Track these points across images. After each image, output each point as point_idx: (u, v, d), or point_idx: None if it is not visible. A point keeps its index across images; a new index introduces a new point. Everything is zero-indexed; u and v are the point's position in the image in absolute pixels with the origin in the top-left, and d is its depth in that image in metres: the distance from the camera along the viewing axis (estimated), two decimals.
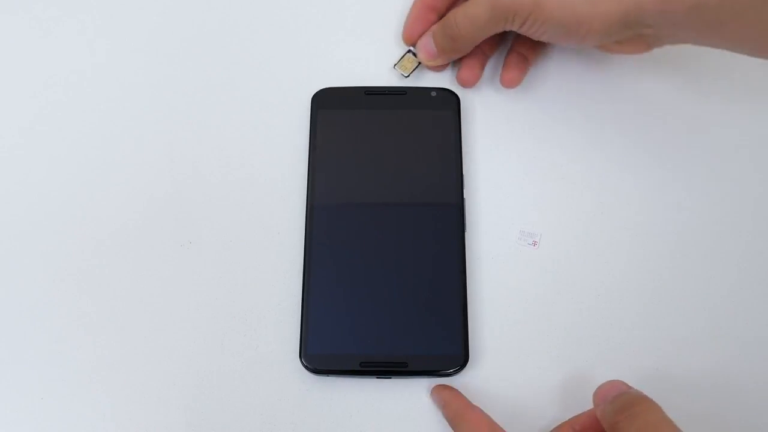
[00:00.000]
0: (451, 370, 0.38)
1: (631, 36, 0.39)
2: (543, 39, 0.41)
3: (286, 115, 0.45)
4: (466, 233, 0.41)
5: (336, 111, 0.44)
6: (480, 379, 0.39)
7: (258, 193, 0.44)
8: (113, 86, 0.47)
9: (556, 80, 0.46)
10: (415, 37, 0.45)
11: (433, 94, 0.45)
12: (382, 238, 0.41)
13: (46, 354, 0.40)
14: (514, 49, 0.45)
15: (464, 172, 0.43)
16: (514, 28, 0.41)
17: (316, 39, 0.47)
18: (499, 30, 0.42)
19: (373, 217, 0.42)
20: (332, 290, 0.40)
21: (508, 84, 0.45)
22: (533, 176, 0.44)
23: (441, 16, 0.45)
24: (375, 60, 0.46)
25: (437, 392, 0.39)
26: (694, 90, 0.46)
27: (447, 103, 0.44)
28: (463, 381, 0.39)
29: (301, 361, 0.39)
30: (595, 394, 0.36)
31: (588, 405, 0.36)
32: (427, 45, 0.44)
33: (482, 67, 0.45)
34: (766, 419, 0.39)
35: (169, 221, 0.43)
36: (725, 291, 0.41)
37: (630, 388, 0.35)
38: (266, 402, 0.39)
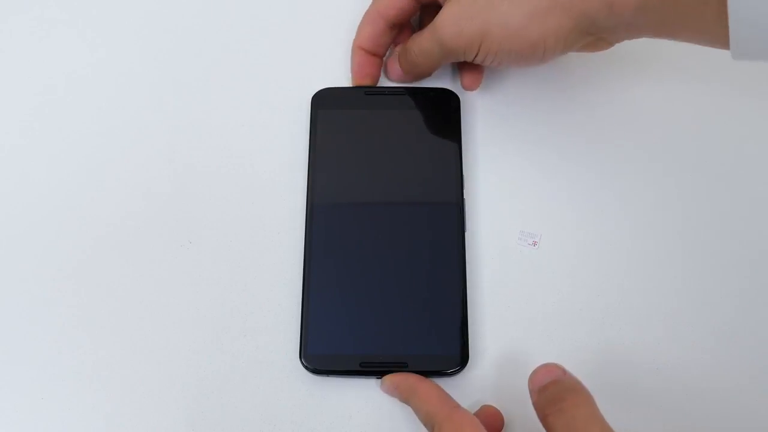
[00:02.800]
0: (451, 370, 0.38)
1: (591, 40, 0.39)
2: (503, 67, 0.42)
3: (286, 115, 0.45)
4: (466, 233, 0.41)
5: (336, 111, 0.44)
6: (480, 379, 0.39)
7: (258, 193, 0.43)
8: (112, 86, 0.47)
9: (556, 81, 0.46)
10: (367, 79, 0.45)
11: (433, 94, 0.45)
12: (382, 238, 0.41)
13: (46, 354, 0.40)
14: None
15: (464, 172, 0.43)
16: (469, 60, 0.41)
17: (316, 39, 0.47)
18: (455, 61, 0.43)
19: (373, 217, 0.42)
20: (332, 290, 0.40)
21: (468, 88, 0.45)
22: (533, 176, 0.44)
23: (383, 57, 0.46)
24: None
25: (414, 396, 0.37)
26: (695, 89, 0.46)
27: (447, 103, 0.44)
28: (463, 381, 0.39)
29: (301, 361, 0.39)
30: (530, 380, 0.34)
31: None
32: (394, 67, 0.45)
33: (481, 70, 0.45)
34: (764, 423, 0.39)
35: (169, 221, 0.43)
36: (727, 290, 0.41)
37: (565, 373, 0.34)
38: (266, 402, 0.39)
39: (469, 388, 0.39)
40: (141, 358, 0.40)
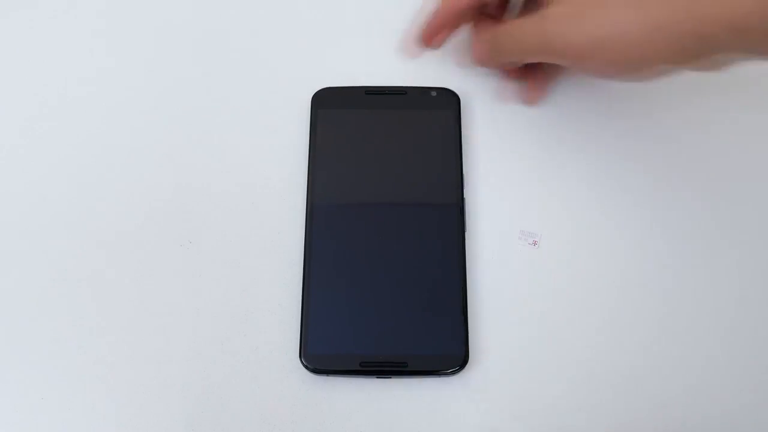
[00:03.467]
0: (451, 370, 0.38)
1: (702, 65, 0.35)
2: (605, 78, 0.39)
3: (286, 115, 0.45)
4: (466, 233, 0.41)
5: (336, 111, 0.44)
6: (480, 379, 0.39)
7: (258, 193, 0.44)
8: (113, 87, 0.47)
9: (556, 80, 0.46)
10: (427, 45, 0.44)
11: (433, 94, 0.45)
12: (383, 238, 0.41)
13: (46, 354, 0.40)
14: (540, 65, 0.43)
15: (464, 172, 0.43)
16: (565, 64, 0.39)
17: (316, 39, 0.47)
18: (549, 61, 0.39)
19: (374, 217, 0.42)
20: (332, 290, 0.40)
21: (531, 104, 0.44)
22: (533, 176, 0.44)
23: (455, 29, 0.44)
24: (375, 60, 0.46)
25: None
26: (696, 89, 0.46)
27: (447, 103, 0.44)
28: (463, 381, 0.39)
29: (301, 361, 0.39)
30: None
31: (589, 405, 0.36)
32: (479, 49, 0.43)
33: (547, 82, 0.44)
34: (765, 423, 0.39)
35: (169, 221, 0.43)
36: (728, 291, 0.41)
37: None
38: (266, 402, 0.39)
39: (469, 388, 0.39)
40: (141, 358, 0.40)
